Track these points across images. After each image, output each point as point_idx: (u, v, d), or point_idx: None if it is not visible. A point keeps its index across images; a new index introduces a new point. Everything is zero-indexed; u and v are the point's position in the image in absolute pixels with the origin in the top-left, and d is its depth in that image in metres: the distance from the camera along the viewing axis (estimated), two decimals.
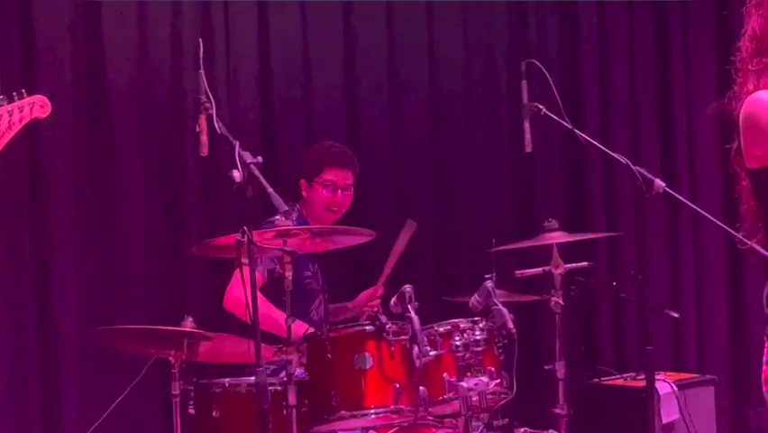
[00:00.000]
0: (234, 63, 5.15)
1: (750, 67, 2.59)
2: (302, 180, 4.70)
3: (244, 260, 3.46)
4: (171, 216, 4.96)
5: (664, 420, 4.74)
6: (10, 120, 3.07)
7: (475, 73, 5.74)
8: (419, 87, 5.61)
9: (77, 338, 4.66)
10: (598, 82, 5.94)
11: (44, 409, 4.65)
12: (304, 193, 4.70)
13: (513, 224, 5.68)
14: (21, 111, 3.09)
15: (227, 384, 4.02)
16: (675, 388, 4.83)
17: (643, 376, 4.97)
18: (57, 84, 4.70)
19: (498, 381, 4.03)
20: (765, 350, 2.59)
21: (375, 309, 4.50)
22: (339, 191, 4.66)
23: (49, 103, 3.18)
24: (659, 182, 3.82)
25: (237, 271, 3.71)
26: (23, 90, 3.14)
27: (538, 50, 5.73)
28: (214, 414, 3.99)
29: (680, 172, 5.99)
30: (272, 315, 4.26)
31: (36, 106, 3.13)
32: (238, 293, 3.83)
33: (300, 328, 4.15)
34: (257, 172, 3.51)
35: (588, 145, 4.25)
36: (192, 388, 3.99)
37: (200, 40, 3.87)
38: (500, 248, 4.57)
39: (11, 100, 3.10)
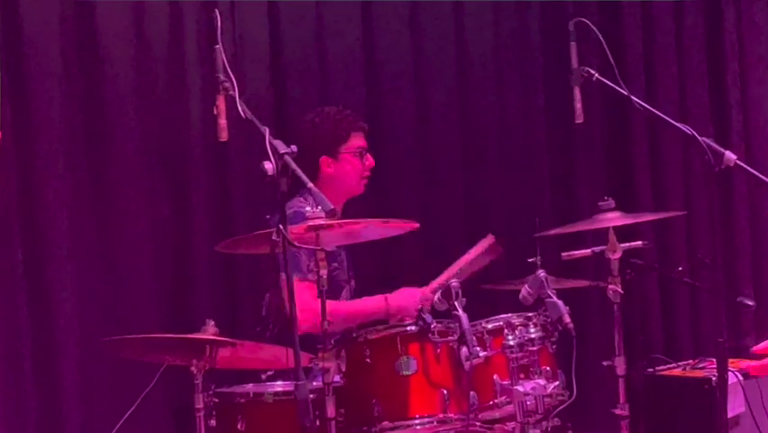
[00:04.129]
0: (240, 30, 4.70)
1: None
2: (323, 157, 4.25)
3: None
4: (177, 213, 4.58)
5: (730, 414, 4.35)
6: None
7: (505, 35, 5.38)
8: (446, 54, 5.21)
9: (77, 349, 4.30)
10: (642, 46, 5.61)
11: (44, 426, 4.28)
12: (329, 170, 4.25)
13: (550, 203, 5.38)
14: None
15: (252, 394, 3.71)
16: (741, 377, 4.45)
17: (702, 364, 4.70)
18: (46, 72, 4.31)
19: (556, 383, 3.71)
20: None
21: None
22: (368, 154, 4.33)
23: None
24: (730, 154, 3.53)
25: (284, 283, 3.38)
26: None
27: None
28: (239, 427, 3.66)
29: (734, 144, 5.63)
30: (356, 309, 4.13)
31: None
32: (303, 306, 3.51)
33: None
34: (293, 164, 3.18)
35: (647, 115, 3.93)
36: (216, 399, 3.64)
37: (216, 11, 3.45)
38: (550, 232, 4.21)
39: None
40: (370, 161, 4.33)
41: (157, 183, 4.56)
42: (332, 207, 3.30)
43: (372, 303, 4.15)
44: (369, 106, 4.95)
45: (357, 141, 4.30)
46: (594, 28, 3.87)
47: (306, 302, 3.62)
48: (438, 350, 3.61)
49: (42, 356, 4.26)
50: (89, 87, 4.43)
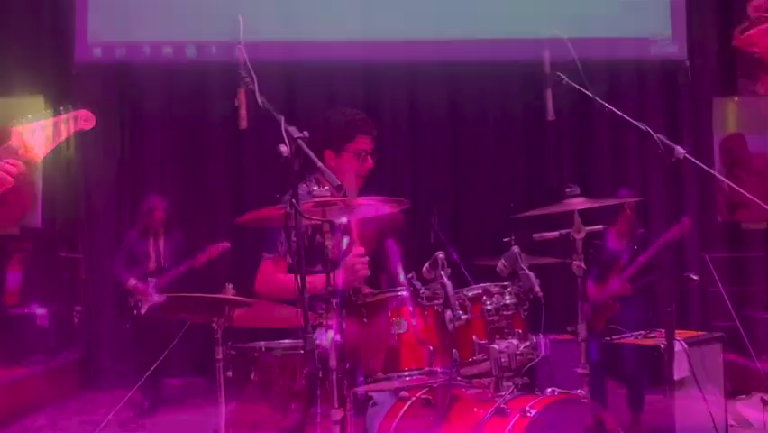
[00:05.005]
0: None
1: None
2: (327, 150, 4.62)
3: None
4: (200, 193, 5.03)
5: (675, 377, 4.87)
6: (58, 129, 3.48)
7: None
8: (435, 55, 5.67)
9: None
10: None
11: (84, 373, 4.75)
12: (331, 163, 4.60)
13: (523, 190, 5.83)
14: (67, 122, 3.49)
15: (263, 349, 4.14)
16: (685, 345, 4.95)
17: (652, 334, 5.20)
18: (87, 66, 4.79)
19: (527, 343, 4.16)
20: None
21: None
22: (368, 157, 4.68)
23: (93, 117, 3.56)
24: (680, 149, 3.95)
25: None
26: (69, 105, 3.53)
27: None
28: (252, 376, 4.10)
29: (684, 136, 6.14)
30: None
31: (81, 119, 3.55)
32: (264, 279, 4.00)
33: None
34: (305, 147, 3.59)
35: (610, 114, 4.36)
36: (233, 351, 4.09)
37: (240, 15, 3.88)
38: (526, 214, 4.69)
39: (57, 113, 3.49)
40: (368, 163, 4.65)
41: (185, 167, 5.03)
42: (339, 182, 3.68)
43: (320, 280, 4.45)
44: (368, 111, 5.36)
45: (361, 144, 4.64)
46: (566, 39, 4.34)
47: (266, 274, 4.11)
48: (426, 312, 4.00)
49: (87, 314, 4.74)
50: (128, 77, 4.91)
